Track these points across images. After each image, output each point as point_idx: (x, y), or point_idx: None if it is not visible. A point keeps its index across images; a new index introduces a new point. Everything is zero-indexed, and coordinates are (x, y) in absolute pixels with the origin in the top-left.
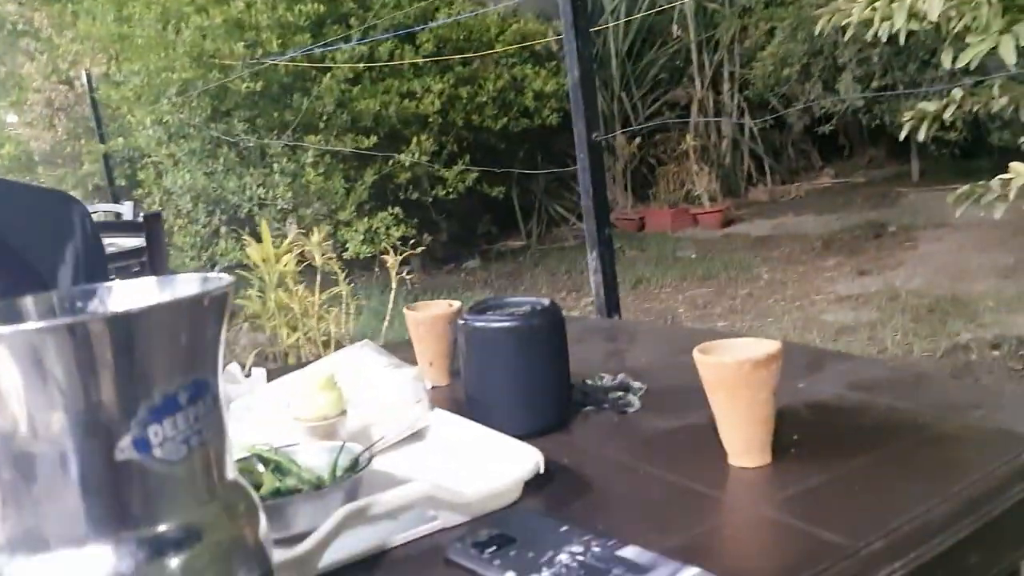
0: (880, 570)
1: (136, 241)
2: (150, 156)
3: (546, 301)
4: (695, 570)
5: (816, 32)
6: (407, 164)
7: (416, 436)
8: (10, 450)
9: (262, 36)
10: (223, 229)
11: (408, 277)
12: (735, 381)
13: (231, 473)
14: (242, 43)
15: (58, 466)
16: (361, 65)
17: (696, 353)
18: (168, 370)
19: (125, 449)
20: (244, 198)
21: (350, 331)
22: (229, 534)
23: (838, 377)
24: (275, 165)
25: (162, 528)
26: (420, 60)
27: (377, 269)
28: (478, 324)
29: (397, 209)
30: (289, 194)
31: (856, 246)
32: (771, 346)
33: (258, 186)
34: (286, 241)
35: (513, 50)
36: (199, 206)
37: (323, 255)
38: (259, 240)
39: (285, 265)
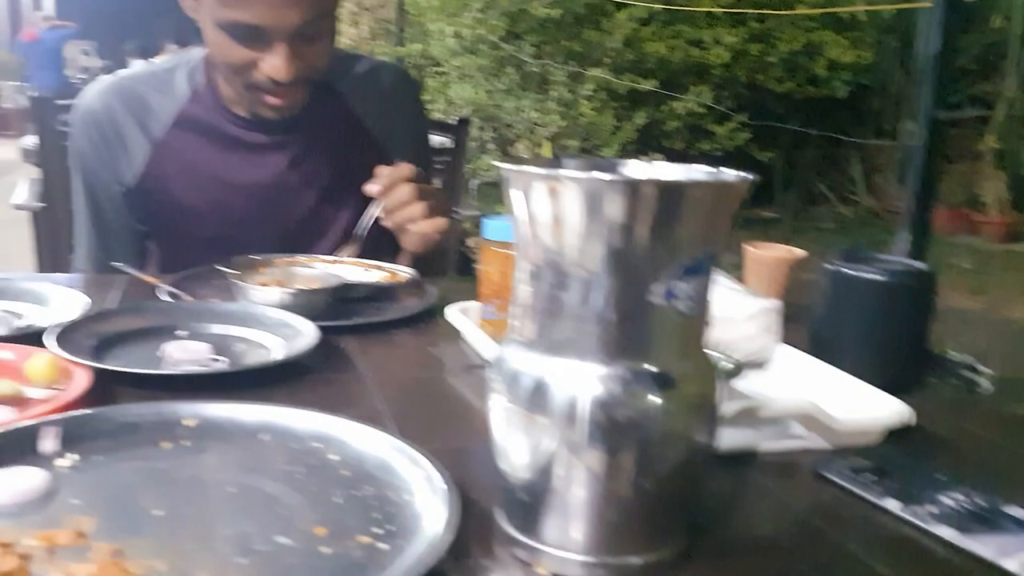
0: None
1: (442, 140)
2: (440, 66)
3: (923, 265)
4: None
5: None
6: (680, 113)
7: (756, 365)
8: (558, 269)
9: None
10: (490, 145)
11: None
12: None
13: (704, 343)
14: None
15: (590, 291)
16: (657, 6)
17: None
18: (696, 237)
19: (657, 294)
20: (517, 119)
21: None
22: (697, 391)
23: None
24: (552, 92)
25: (650, 367)
26: (718, 10)
27: None
28: (850, 272)
29: (660, 155)
30: (562, 122)
31: None
32: None
33: (534, 110)
34: None
35: (816, 14)
36: (474, 120)
37: None
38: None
39: None
